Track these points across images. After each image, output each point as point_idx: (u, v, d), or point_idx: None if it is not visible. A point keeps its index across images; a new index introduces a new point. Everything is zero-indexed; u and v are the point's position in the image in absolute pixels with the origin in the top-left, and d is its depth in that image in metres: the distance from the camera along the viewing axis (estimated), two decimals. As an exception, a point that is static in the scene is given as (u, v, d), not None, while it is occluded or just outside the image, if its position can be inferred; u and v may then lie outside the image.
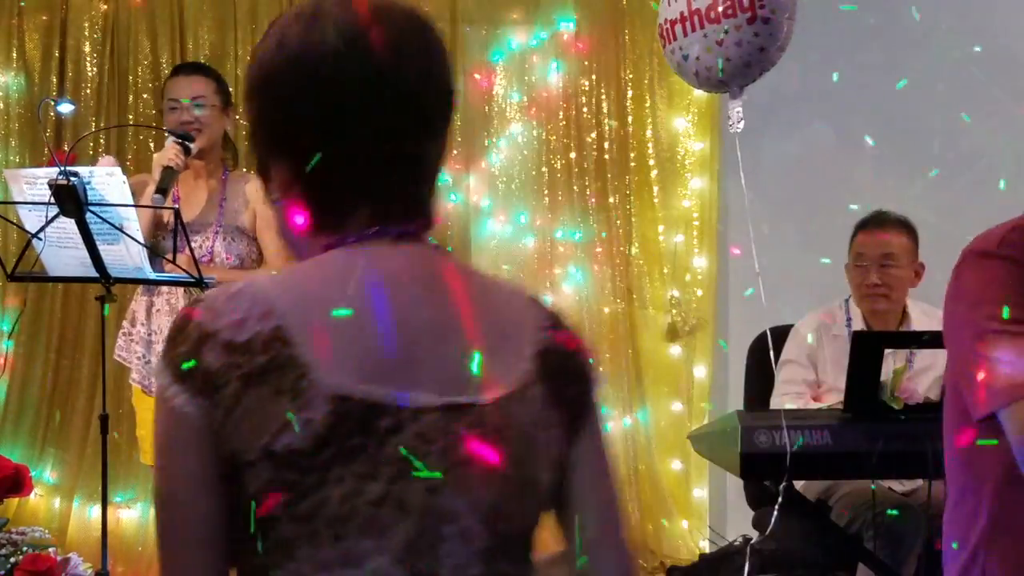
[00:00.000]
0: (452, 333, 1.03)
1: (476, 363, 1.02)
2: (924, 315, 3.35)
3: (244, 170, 3.31)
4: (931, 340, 3.13)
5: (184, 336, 0.99)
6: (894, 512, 2.86)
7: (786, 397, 3.30)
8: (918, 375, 3.16)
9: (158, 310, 3.10)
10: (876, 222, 3.33)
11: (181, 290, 3.06)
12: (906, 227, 3.30)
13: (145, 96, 4.24)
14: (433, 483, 1.00)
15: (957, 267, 1.58)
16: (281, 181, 1.08)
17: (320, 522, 0.98)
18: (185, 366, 0.98)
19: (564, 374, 1.08)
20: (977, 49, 4.30)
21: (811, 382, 3.34)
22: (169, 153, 2.92)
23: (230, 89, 3.28)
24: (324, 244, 1.06)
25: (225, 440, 0.98)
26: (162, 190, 2.86)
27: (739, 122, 2.76)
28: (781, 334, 3.47)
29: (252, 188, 3.17)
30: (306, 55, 1.04)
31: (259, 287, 1.01)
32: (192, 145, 3.00)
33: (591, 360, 1.13)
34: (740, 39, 2.65)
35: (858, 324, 3.32)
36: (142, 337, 3.10)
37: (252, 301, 0.99)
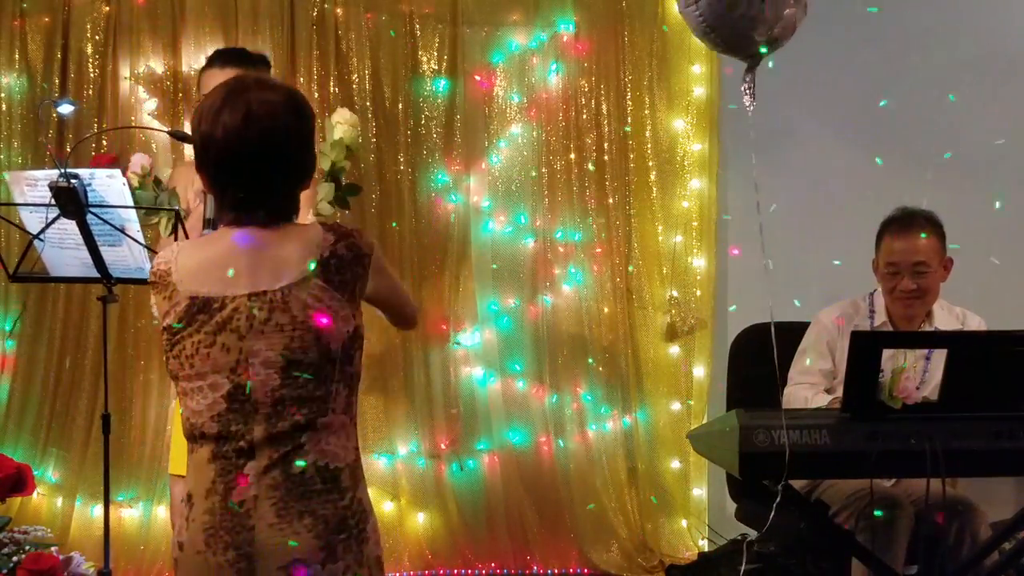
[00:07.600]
0: (259, 264, 1.93)
1: (269, 271, 1.92)
2: (943, 311, 3.36)
3: None
4: (929, 340, 3.16)
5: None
6: (879, 513, 2.90)
7: (800, 387, 3.30)
8: (931, 373, 3.17)
9: None
10: (905, 222, 3.28)
11: None
12: (932, 225, 3.27)
13: (147, 97, 4.25)
14: (241, 334, 1.89)
15: None
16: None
17: (184, 358, 1.92)
18: (151, 280, 2.00)
19: (339, 269, 1.94)
20: (976, 51, 4.32)
21: (827, 372, 3.34)
22: None
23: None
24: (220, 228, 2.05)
25: (162, 315, 1.97)
26: (211, 220, 2.74)
27: (749, 95, 2.60)
28: (768, 332, 3.48)
29: None
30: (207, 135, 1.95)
31: (173, 248, 2.00)
32: None
33: (362, 252, 1.96)
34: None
35: (881, 318, 3.33)
36: None
37: (164, 256, 1.98)
